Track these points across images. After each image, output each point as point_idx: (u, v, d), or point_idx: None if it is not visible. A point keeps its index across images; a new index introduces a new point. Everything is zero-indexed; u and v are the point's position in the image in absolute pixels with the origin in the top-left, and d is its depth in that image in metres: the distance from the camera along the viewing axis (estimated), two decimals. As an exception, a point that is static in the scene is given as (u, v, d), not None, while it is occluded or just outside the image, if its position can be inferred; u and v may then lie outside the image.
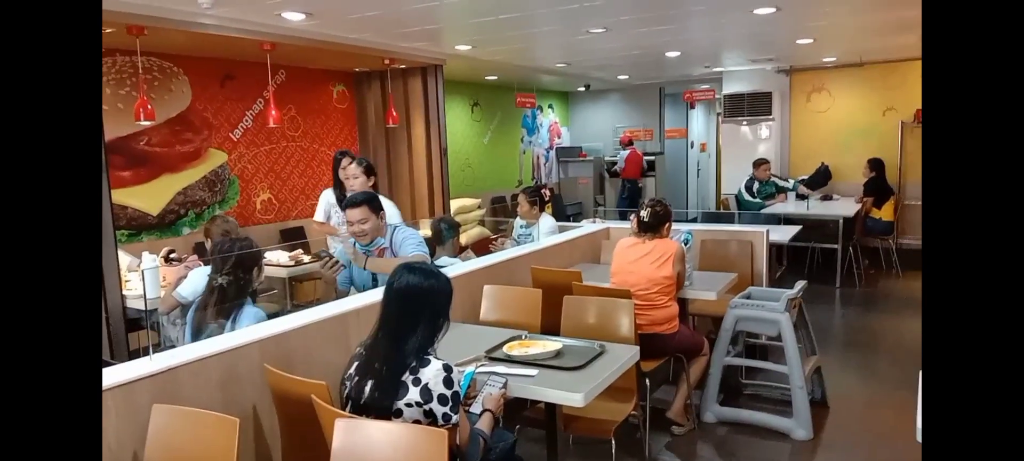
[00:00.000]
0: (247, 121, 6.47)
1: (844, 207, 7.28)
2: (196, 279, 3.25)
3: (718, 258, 4.74)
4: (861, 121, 8.74)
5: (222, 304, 2.70)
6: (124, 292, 4.13)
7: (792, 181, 8.23)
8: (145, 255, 4.40)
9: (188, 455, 1.94)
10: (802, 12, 5.41)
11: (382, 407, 1.99)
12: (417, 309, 2.06)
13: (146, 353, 2.22)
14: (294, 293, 4.96)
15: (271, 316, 2.79)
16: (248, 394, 2.37)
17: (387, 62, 6.62)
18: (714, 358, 3.82)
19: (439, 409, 1.98)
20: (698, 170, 12.20)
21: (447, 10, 4.87)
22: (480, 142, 9.95)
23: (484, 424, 2.19)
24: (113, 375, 2.05)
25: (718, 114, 10.71)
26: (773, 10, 5.09)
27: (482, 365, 2.52)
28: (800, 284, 3.92)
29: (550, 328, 3.24)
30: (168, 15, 4.43)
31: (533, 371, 2.46)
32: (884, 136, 8.49)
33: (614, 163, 11.06)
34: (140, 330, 4.10)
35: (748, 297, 3.86)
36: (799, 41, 6.84)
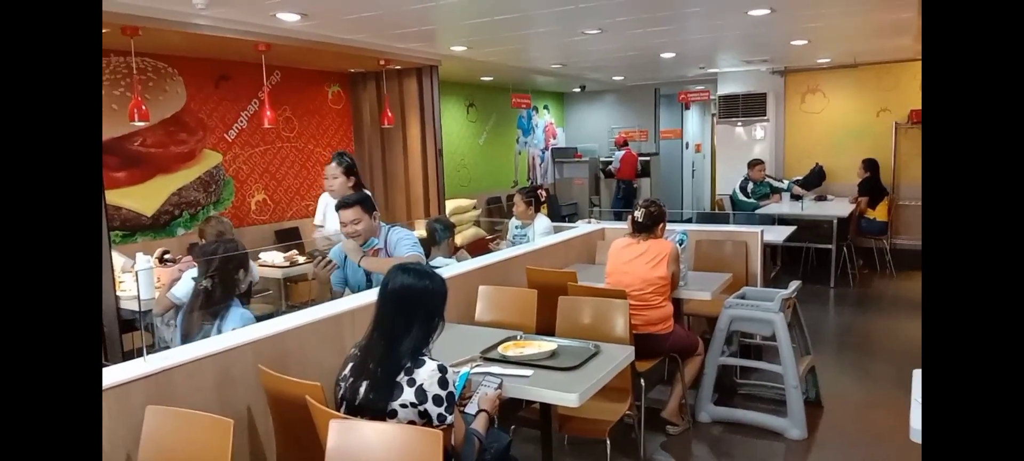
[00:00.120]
0: (242, 122, 6.46)
1: (838, 208, 7.31)
2: (190, 280, 3.25)
3: (713, 258, 4.75)
4: (855, 122, 8.77)
5: (208, 307, 2.69)
6: (118, 293, 4.12)
7: (786, 182, 8.25)
8: (139, 256, 4.39)
9: (182, 457, 1.93)
10: (796, 13, 5.42)
11: (377, 408, 1.99)
12: (412, 310, 2.06)
13: (140, 354, 2.21)
14: (289, 294, 4.96)
15: (266, 317, 2.78)
16: (242, 395, 2.36)
17: (383, 63, 6.62)
18: (709, 358, 3.83)
19: (434, 410, 1.98)
20: (693, 171, 12.23)
21: (443, 11, 4.87)
22: (475, 143, 9.96)
23: (479, 424, 2.19)
24: (107, 376, 2.05)
25: (713, 115, 10.73)
26: (768, 11, 5.11)
27: (477, 365, 2.52)
28: (794, 284, 3.93)
29: (545, 328, 3.24)
30: (163, 16, 4.42)
31: (528, 371, 2.47)
32: (878, 137, 8.53)
33: (609, 164, 11.07)
34: (134, 331, 4.09)
35: (743, 297, 3.87)
36: (793, 42, 6.86)
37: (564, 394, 2.31)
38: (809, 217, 7.08)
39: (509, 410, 2.69)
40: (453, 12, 4.96)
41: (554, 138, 11.93)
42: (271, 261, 4.82)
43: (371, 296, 2.64)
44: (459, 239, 7.13)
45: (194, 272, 3.25)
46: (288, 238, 6.39)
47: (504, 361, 2.57)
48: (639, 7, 4.95)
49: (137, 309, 3.90)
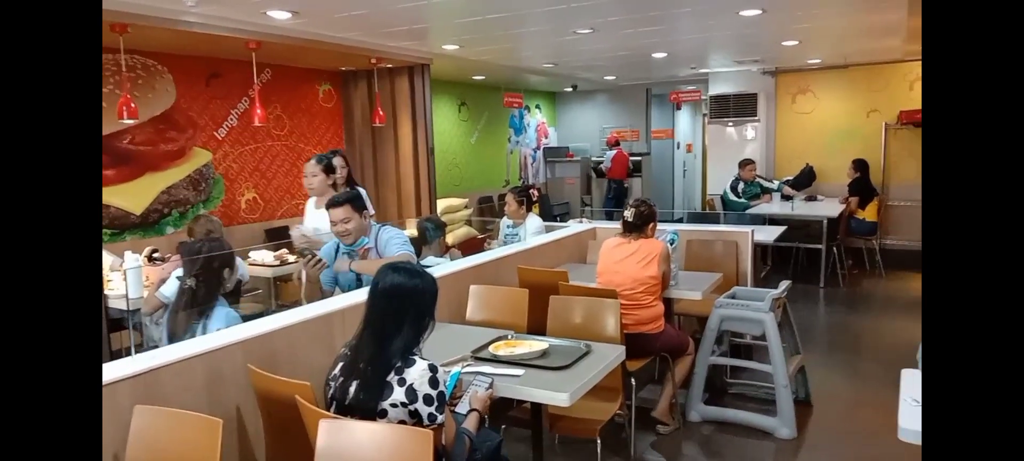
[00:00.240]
0: (232, 120, 6.43)
1: (828, 208, 7.34)
2: (177, 280, 3.22)
3: (703, 258, 4.77)
4: (845, 123, 8.82)
5: (193, 306, 2.67)
6: (106, 292, 4.09)
7: (777, 182, 8.29)
8: (128, 254, 4.35)
9: (171, 456, 1.92)
10: (787, 14, 5.44)
11: (367, 408, 1.98)
12: (402, 309, 2.05)
13: (128, 353, 2.20)
14: (279, 293, 4.93)
15: (254, 316, 2.76)
16: (232, 395, 2.35)
17: (374, 61, 6.60)
18: (699, 357, 3.84)
19: (424, 409, 1.97)
20: (684, 170, 12.26)
21: (434, 9, 4.86)
22: (467, 142, 9.94)
23: (470, 424, 2.19)
24: (94, 376, 2.03)
25: (704, 115, 10.76)
26: (759, 12, 5.13)
27: (468, 365, 2.52)
28: (784, 284, 3.95)
29: (536, 328, 3.24)
30: (152, 13, 4.39)
31: (519, 371, 2.47)
32: (868, 137, 8.57)
33: (601, 163, 11.09)
34: (122, 330, 4.06)
35: (733, 297, 3.88)
36: (784, 43, 6.88)
37: (555, 393, 2.32)
38: (799, 217, 7.11)
39: (500, 409, 2.69)
40: (444, 11, 4.96)
41: (546, 137, 11.93)
42: (261, 260, 4.80)
43: (361, 295, 2.63)
44: (450, 238, 7.13)
45: (179, 273, 3.23)
46: (278, 237, 6.36)
47: (495, 360, 2.57)
48: (631, 7, 4.96)
49: (126, 308, 3.86)
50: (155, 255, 4.37)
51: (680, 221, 7.70)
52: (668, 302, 3.91)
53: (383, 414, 1.97)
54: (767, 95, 9.16)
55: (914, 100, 8.30)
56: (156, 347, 2.73)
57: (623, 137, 11.25)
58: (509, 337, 2.82)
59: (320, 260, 3.37)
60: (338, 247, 3.49)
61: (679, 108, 11.71)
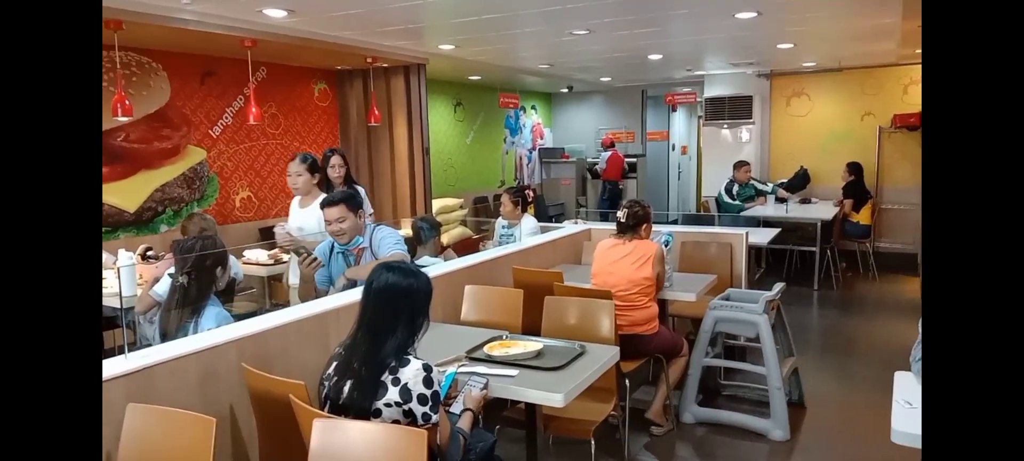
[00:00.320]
0: (227, 118, 6.41)
1: (822, 210, 7.37)
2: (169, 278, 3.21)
3: (698, 260, 4.78)
4: (840, 125, 8.85)
5: (185, 305, 2.66)
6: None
7: (771, 184, 8.32)
8: (121, 252, 4.34)
9: (163, 455, 1.91)
10: (783, 17, 5.46)
11: (361, 407, 1.98)
12: (396, 308, 2.04)
13: (121, 352, 2.19)
14: (273, 292, 4.92)
15: (248, 315, 2.75)
16: (225, 394, 2.34)
17: (370, 61, 6.59)
18: (693, 359, 3.84)
19: (419, 409, 1.97)
20: (679, 172, 12.29)
21: (430, 9, 4.86)
22: (463, 142, 9.94)
23: (464, 423, 2.19)
24: (87, 374, 2.02)
25: (699, 117, 10.79)
26: (754, 15, 5.14)
27: (463, 365, 2.52)
28: (778, 286, 3.96)
29: (531, 328, 3.24)
30: (147, 9, 4.37)
31: (513, 371, 2.46)
32: (862, 140, 8.61)
33: (596, 164, 11.10)
34: (115, 328, 4.04)
35: (727, 299, 3.89)
36: (779, 46, 6.91)
37: (549, 394, 2.31)
38: (793, 219, 7.13)
39: (494, 410, 2.69)
40: (440, 10, 4.95)
41: (541, 138, 11.94)
42: (255, 259, 4.78)
43: (356, 295, 2.62)
44: (445, 238, 7.12)
45: (172, 271, 3.21)
46: (272, 236, 6.33)
47: (490, 361, 2.57)
48: (627, 8, 4.96)
49: (119, 306, 3.85)
50: (149, 253, 4.35)
51: (675, 223, 7.72)
52: (662, 303, 3.91)
53: (377, 414, 1.97)
54: (762, 97, 9.19)
55: (908, 103, 8.33)
56: (149, 345, 2.72)
57: (618, 138, 11.26)
58: (504, 337, 2.82)
59: (315, 259, 3.36)
60: (333, 246, 3.48)
61: (674, 110, 11.74)
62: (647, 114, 11.75)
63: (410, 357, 2.02)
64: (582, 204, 11.10)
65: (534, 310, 3.33)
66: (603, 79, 10.11)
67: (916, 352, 2.33)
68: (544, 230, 5.17)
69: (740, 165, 7.98)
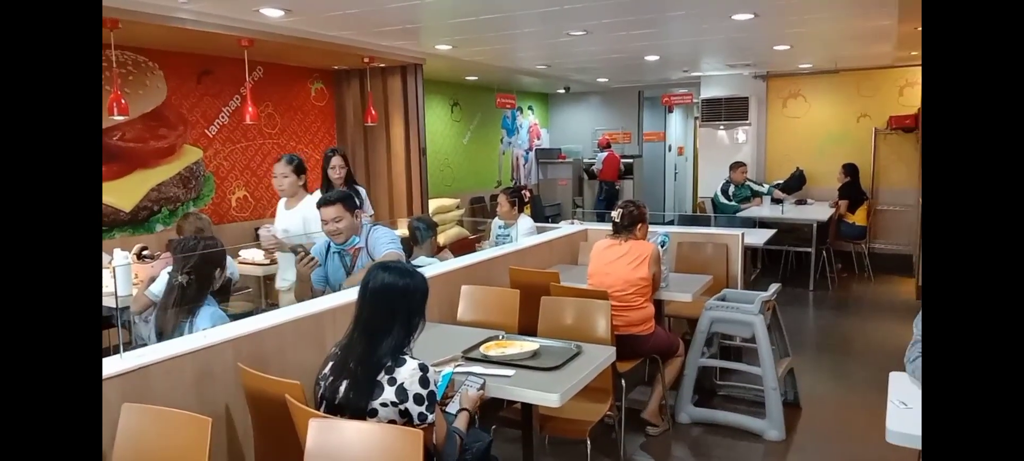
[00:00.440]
0: (223, 117, 6.40)
1: (818, 211, 7.39)
2: (166, 278, 3.20)
3: (694, 260, 4.79)
4: (836, 127, 8.87)
5: (181, 304, 2.66)
6: (95, 289, 4.05)
7: (767, 185, 8.33)
8: (117, 252, 4.30)
9: (158, 455, 1.91)
10: (779, 19, 5.47)
11: (357, 407, 1.98)
12: (392, 308, 2.04)
13: (116, 351, 2.18)
14: (269, 292, 4.91)
15: (242, 315, 2.75)
16: (221, 393, 2.34)
17: (367, 60, 6.58)
18: (689, 359, 3.85)
19: (415, 409, 1.97)
20: (675, 173, 12.30)
21: (428, 9, 4.86)
22: (459, 142, 9.94)
23: (461, 423, 2.19)
24: (82, 373, 2.01)
25: (696, 118, 10.81)
26: (751, 16, 5.16)
27: (459, 365, 2.52)
28: (774, 287, 3.97)
29: (527, 329, 3.25)
30: (143, 8, 4.36)
31: (510, 371, 2.47)
32: (858, 142, 8.63)
33: (592, 165, 11.11)
34: (110, 328, 4.03)
35: (723, 299, 3.90)
36: (776, 47, 6.92)
37: (545, 394, 2.32)
38: (789, 220, 7.15)
39: (490, 410, 2.69)
40: (438, 11, 4.95)
41: (538, 139, 11.94)
42: (251, 258, 4.77)
43: (352, 295, 2.62)
44: (442, 238, 7.12)
45: (169, 269, 3.21)
46: (269, 235, 6.33)
47: (486, 361, 2.57)
48: (624, 9, 4.97)
49: (114, 305, 3.84)
50: (144, 253, 4.35)
51: (671, 223, 7.72)
52: (658, 304, 3.92)
53: (373, 413, 1.97)
54: (758, 99, 9.20)
55: (904, 105, 8.36)
56: (144, 345, 2.72)
57: (615, 139, 11.27)
58: (500, 337, 2.82)
59: (312, 258, 3.36)
60: (329, 246, 3.48)
61: (671, 111, 11.75)
62: (643, 115, 11.76)
63: (406, 357, 2.02)
64: (579, 205, 11.11)
65: (530, 310, 3.34)
66: (600, 80, 10.12)
67: (911, 353, 2.34)
68: (540, 230, 5.17)
69: (736, 166, 7.99)
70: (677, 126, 12.34)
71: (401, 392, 1.96)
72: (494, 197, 7.80)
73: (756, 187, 8.13)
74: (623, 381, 3.40)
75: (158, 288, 3.28)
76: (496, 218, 5.27)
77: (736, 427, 3.78)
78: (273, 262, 4.76)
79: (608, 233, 3.83)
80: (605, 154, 10.70)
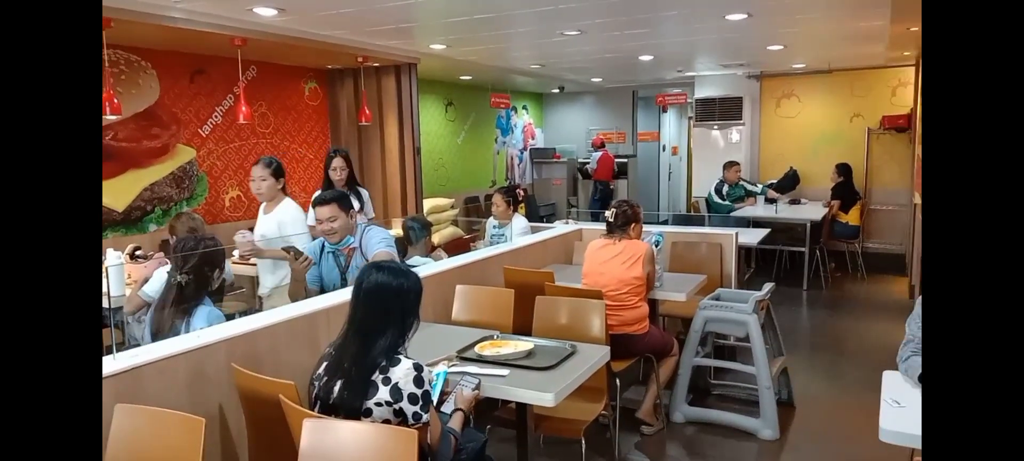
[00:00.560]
0: (217, 117, 6.38)
1: (812, 211, 7.41)
2: (162, 278, 3.19)
3: (688, 260, 4.79)
4: (829, 127, 8.91)
5: (179, 304, 2.65)
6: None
7: (761, 185, 8.36)
8: (109, 252, 4.31)
9: (152, 456, 1.90)
10: (773, 19, 5.49)
11: (351, 407, 1.97)
12: (387, 308, 2.04)
13: (109, 352, 2.17)
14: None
15: (233, 316, 2.74)
16: (215, 394, 2.33)
17: (361, 60, 6.57)
18: (683, 359, 3.86)
19: (409, 408, 1.97)
20: (669, 173, 12.32)
21: (422, 9, 4.85)
22: (454, 142, 9.93)
23: (455, 423, 2.18)
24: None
25: (690, 118, 10.83)
26: (744, 16, 5.17)
27: (454, 365, 2.52)
28: (768, 286, 3.98)
29: (522, 328, 3.25)
30: (136, 7, 4.34)
31: (504, 371, 2.47)
32: (851, 142, 8.67)
33: (587, 164, 11.12)
34: (103, 328, 4.00)
35: (717, 299, 3.90)
36: (769, 47, 6.94)
37: (540, 394, 2.32)
38: (783, 220, 7.17)
39: (485, 409, 2.69)
40: (432, 10, 4.95)
41: (533, 138, 11.95)
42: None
43: (346, 294, 2.62)
44: (437, 238, 7.12)
45: (169, 269, 3.19)
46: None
47: (480, 360, 2.57)
48: (618, 9, 4.97)
49: (107, 306, 3.82)
50: (137, 253, 4.32)
51: (665, 223, 7.74)
52: (653, 303, 3.92)
53: (368, 413, 1.97)
54: (752, 99, 9.23)
55: (896, 105, 8.40)
56: (138, 345, 2.71)
57: (609, 139, 11.28)
58: (495, 337, 2.82)
59: (307, 258, 3.35)
60: (323, 245, 3.47)
61: (665, 111, 11.77)
62: (638, 115, 11.78)
63: (401, 357, 2.02)
64: (573, 204, 11.12)
65: (525, 310, 3.34)
66: (594, 80, 10.13)
67: (903, 352, 2.35)
68: (535, 230, 5.17)
69: (730, 166, 8.02)
70: (671, 126, 12.37)
71: (396, 392, 1.96)
72: (488, 197, 7.80)
73: (750, 187, 8.15)
74: (618, 381, 3.41)
75: (152, 288, 3.27)
76: (491, 218, 5.27)
77: (730, 426, 3.79)
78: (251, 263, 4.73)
79: (602, 233, 3.83)
80: (599, 154, 10.71)
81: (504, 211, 5.07)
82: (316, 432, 1.88)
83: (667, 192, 12.25)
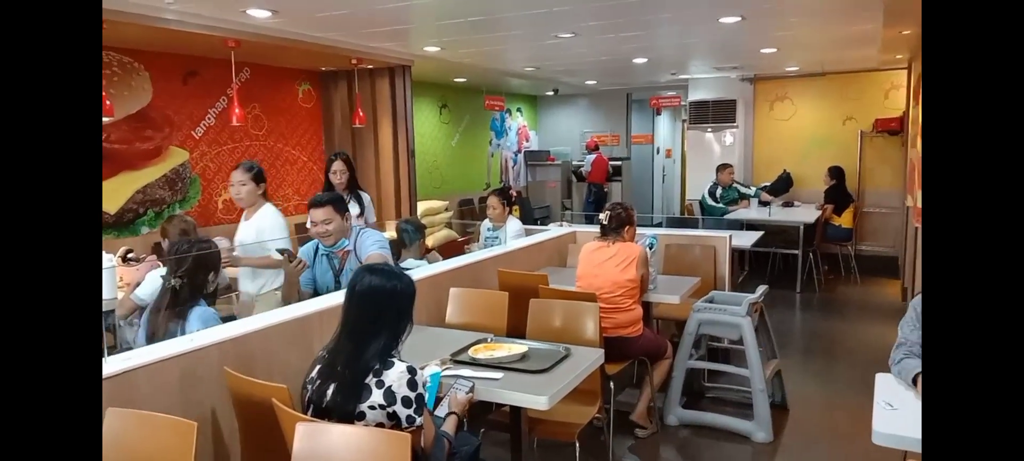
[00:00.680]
0: (210, 119, 6.36)
1: (805, 214, 7.43)
2: (154, 281, 3.17)
3: (682, 262, 4.80)
4: (822, 130, 8.94)
5: (175, 306, 2.64)
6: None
7: (754, 188, 8.38)
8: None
9: (144, 460, 1.89)
10: (766, 22, 5.51)
11: (344, 410, 1.96)
12: (380, 311, 2.03)
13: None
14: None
15: (228, 318, 2.73)
16: (207, 397, 2.32)
17: (354, 62, 6.56)
18: (677, 361, 3.86)
19: (403, 411, 1.96)
20: (663, 175, 12.34)
21: (415, 11, 4.85)
22: (448, 144, 9.93)
23: (449, 427, 2.18)
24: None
25: (683, 121, 10.85)
26: (738, 19, 5.18)
27: (447, 368, 2.51)
28: (761, 289, 3.98)
29: (516, 331, 3.24)
30: (129, 9, 4.32)
31: (498, 374, 2.46)
32: (844, 145, 8.70)
33: (581, 167, 11.13)
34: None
35: (711, 301, 3.91)
36: (763, 50, 6.96)
37: (534, 397, 2.32)
38: (776, 223, 7.19)
39: (479, 413, 2.68)
40: (426, 12, 4.94)
41: (527, 141, 11.95)
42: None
43: (339, 297, 2.61)
44: (431, 241, 7.11)
45: (161, 272, 3.17)
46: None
47: (474, 364, 2.57)
48: (612, 13, 4.98)
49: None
50: (130, 256, 4.29)
51: (659, 225, 7.75)
52: (647, 306, 3.93)
53: (361, 416, 1.96)
54: (746, 101, 9.26)
55: (889, 108, 8.44)
56: (130, 349, 2.69)
57: (603, 141, 11.30)
58: (489, 340, 2.82)
59: (300, 261, 3.34)
60: (317, 248, 3.46)
61: (659, 113, 11.79)
62: (632, 117, 11.80)
63: (394, 359, 2.01)
64: (567, 207, 11.13)
65: (519, 313, 3.33)
66: (588, 82, 10.15)
67: (896, 354, 2.35)
68: (529, 233, 5.17)
69: (723, 168, 8.04)
70: (665, 128, 12.39)
71: (389, 395, 1.95)
72: (483, 199, 7.80)
73: (743, 189, 8.17)
74: (611, 383, 3.41)
75: (144, 292, 3.25)
76: (486, 221, 5.27)
77: (724, 429, 3.79)
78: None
79: (596, 235, 3.83)
80: (593, 156, 10.73)
81: (500, 213, 5.07)
82: (309, 436, 1.87)
83: (661, 195, 12.27)
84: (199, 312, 2.66)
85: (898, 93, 8.38)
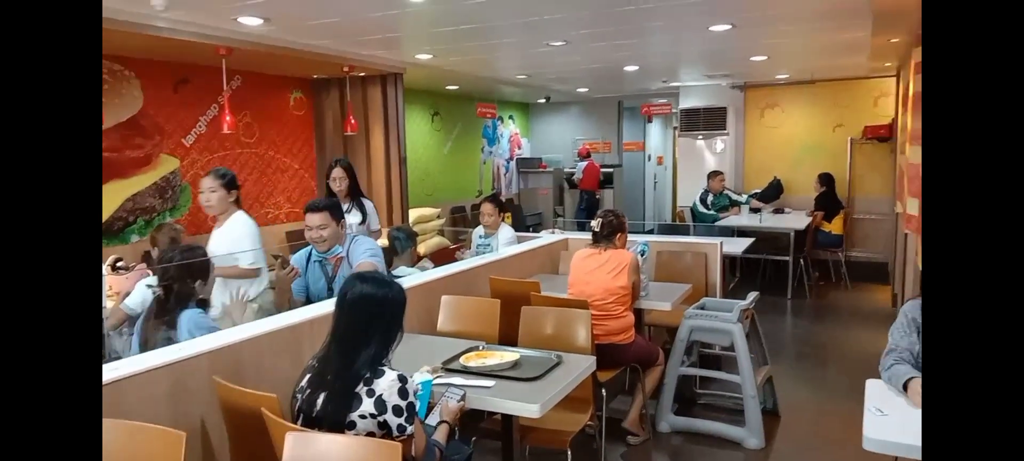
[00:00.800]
0: (201, 127, 6.33)
1: (795, 220, 7.47)
2: (144, 290, 3.15)
3: (673, 269, 4.81)
4: (812, 137, 9.00)
5: (163, 315, 2.62)
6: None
7: (745, 195, 8.42)
8: (90, 263, 4.24)
9: (131, 470, 1.87)
10: (756, 30, 5.54)
11: (335, 420, 1.95)
12: (370, 319, 2.02)
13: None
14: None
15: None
16: (196, 407, 2.30)
17: (346, 69, 6.56)
18: (669, 368, 3.87)
19: (394, 420, 1.95)
20: (655, 182, 12.38)
21: (407, 19, 4.85)
22: (440, 152, 9.93)
23: (440, 435, 2.17)
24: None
25: (675, 128, 10.89)
26: (729, 27, 5.21)
27: (439, 376, 2.50)
28: (752, 295, 4.00)
29: (508, 339, 3.24)
30: (119, 16, 4.31)
31: (490, 382, 2.46)
32: (834, 152, 8.76)
33: (573, 174, 11.15)
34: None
35: (702, 308, 3.92)
36: (753, 58, 7.00)
37: (526, 405, 2.31)
38: (767, 229, 7.22)
39: (470, 421, 2.68)
40: (418, 20, 4.95)
41: (519, 148, 11.97)
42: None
43: (330, 305, 2.60)
44: (423, 248, 7.10)
45: (149, 281, 3.16)
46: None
47: (466, 372, 2.56)
48: (603, 21, 5.00)
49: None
50: (119, 265, 4.27)
51: (650, 233, 7.76)
52: (638, 313, 3.93)
53: (351, 426, 1.95)
54: (736, 109, 9.31)
55: (878, 115, 8.50)
56: (119, 358, 2.67)
57: (595, 149, 11.33)
58: (480, 348, 2.81)
59: (293, 268, 3.33)
60: (310, 255, 3.45)
61: (650, 121, 11.84)
62: (623, 125, 11.84)
63: (385, 368, 2.01)
64: (559, 214, 11.14)
65: (511, 320, 3.33)
66: (580, 90, 10.18)
67: (886, 360, 2.36)
68: (521, 240, 5.17)
69: (714, 175, 8.07)
70: (656, 136, 12.44)
71: (380, 404, 1.95)
72: (475, 207, 7.80)
73: (734, 196, 8.21)
74: (604, 391, 3.40)
75: (133, 301, 3.23)
76: (478, 227, 5.26)
77: (716, 435, 3.79)
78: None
79: (588, 242, 3.84)
80: (585, 164, 10.75)
81: (494, 220, 5.07)
82: (298, 445, 1.86)
83: (652, 202, 12.30)
84: (188, 314, 2.65)
85: (887, 100, 8.44)
